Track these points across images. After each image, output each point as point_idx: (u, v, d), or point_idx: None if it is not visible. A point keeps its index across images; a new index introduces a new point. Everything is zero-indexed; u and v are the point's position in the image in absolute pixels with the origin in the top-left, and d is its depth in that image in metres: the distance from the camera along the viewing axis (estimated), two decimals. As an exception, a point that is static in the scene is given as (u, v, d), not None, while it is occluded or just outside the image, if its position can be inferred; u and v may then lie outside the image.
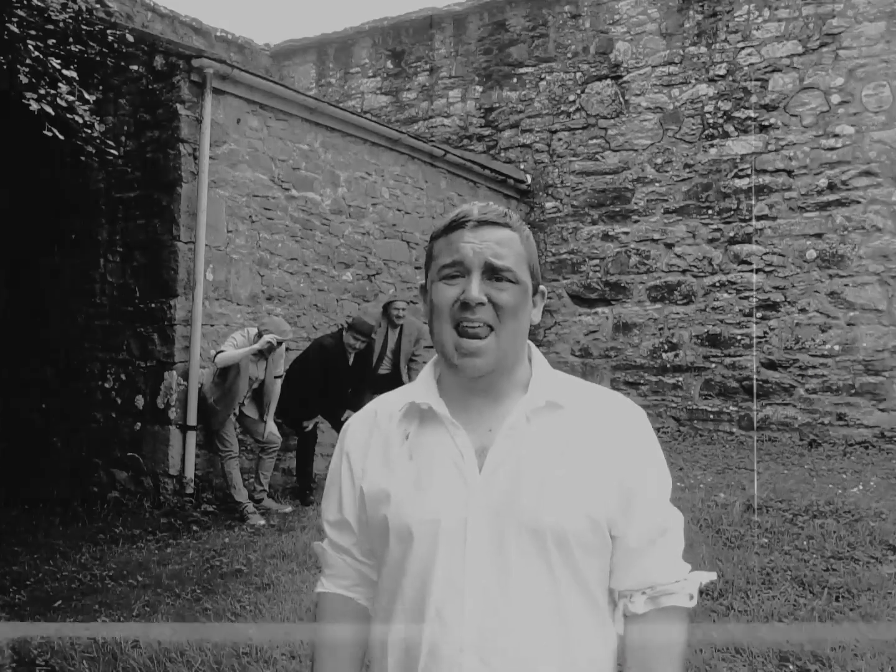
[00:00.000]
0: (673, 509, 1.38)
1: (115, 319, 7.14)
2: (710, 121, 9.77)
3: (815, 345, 9.02)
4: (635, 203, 10.17)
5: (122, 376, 7.04)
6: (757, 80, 9.53)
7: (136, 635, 3.96)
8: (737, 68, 9.64)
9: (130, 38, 6.96)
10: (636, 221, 10.15)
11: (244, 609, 4.35)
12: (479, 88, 11.41)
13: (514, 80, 11.13)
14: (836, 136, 9.05)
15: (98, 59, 6.85)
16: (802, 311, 9.12)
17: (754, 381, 9.11)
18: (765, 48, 9.50)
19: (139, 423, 6.88)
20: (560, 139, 10.73)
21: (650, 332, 9.98)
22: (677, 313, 9.83)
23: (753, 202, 9.46)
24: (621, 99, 10.35)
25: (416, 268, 9.33)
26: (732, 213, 9.58)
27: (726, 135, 9.66)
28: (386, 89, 12.17)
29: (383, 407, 1.40)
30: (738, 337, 9.44)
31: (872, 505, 5.83)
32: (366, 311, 8.27)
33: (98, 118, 6.40)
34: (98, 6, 7.02)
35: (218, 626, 4.13)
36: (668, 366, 9.81)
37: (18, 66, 5.36)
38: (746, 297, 9.44)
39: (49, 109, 5.35)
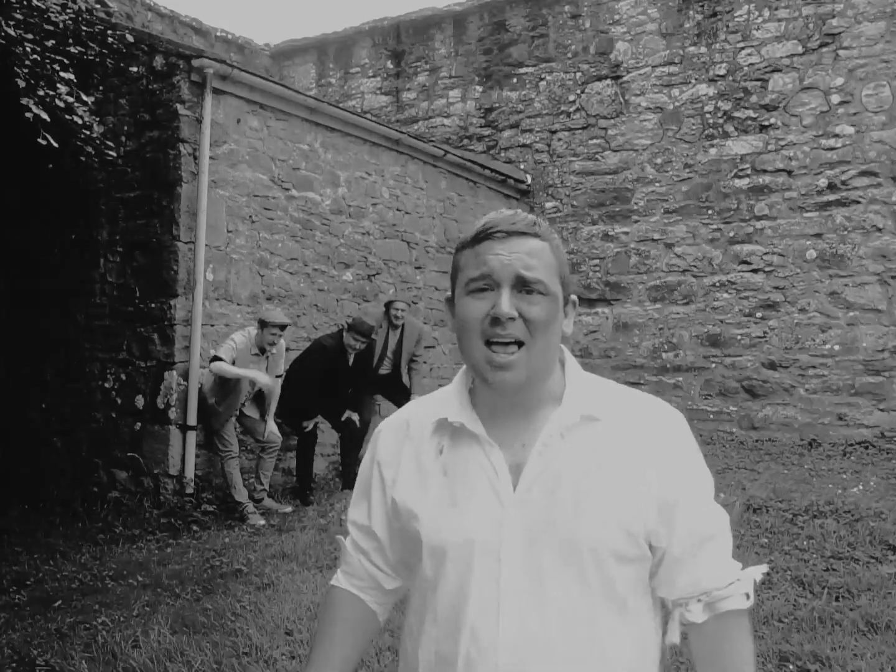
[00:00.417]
0: (717, 511, 1.36)
1: (115, 319, 7.14)
2: (710, 121, 9.77)
3: (815, 345, 9.02)
4: (635, 203, 10.17)
5: (122, 376, 7.04)
6: (757, 80, 9.53)
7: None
8: (737, 68, 9.64)
9: (130, 38, 6.96)
10: (636, 221, 10.15)
11: (244, 609, 4.35)
12: (479, 88, 11.41)
13: (514, 80, 11.13)
14: (836, 136, 9.05)
15: (98, 59, 6.84)
16: (802, 311, 9.12)
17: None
18: (765, 48, 9.50)
19: (139, 423, 6.88)
20: (560, 139, 10.73)
21: (650, 332, 9.98)
22: (677, 313, 9.83)
23: (753, 202, 9.46)
24: (621, 99, 10.35)
25: (417, 268, 9.33)
26: (732, 213, 9.58)
27: (726, 135, 9.66)
28: (386, 89, 12.17)
29: (415, 417, 1.37)
30: (738, 337, 9.44)
31: (872, 505, 5.83)
32: (366, 312, 8.27)
33: (97, 119, 6.40)
34: (98, 6, 7.02)
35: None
36: (668, 366, 9.81)
37: (16, 70, 5.35)
38: (746, 297, 9.44)
39: (45, 115, 5.34)
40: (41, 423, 7.56)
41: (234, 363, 6.48)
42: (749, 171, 9.50)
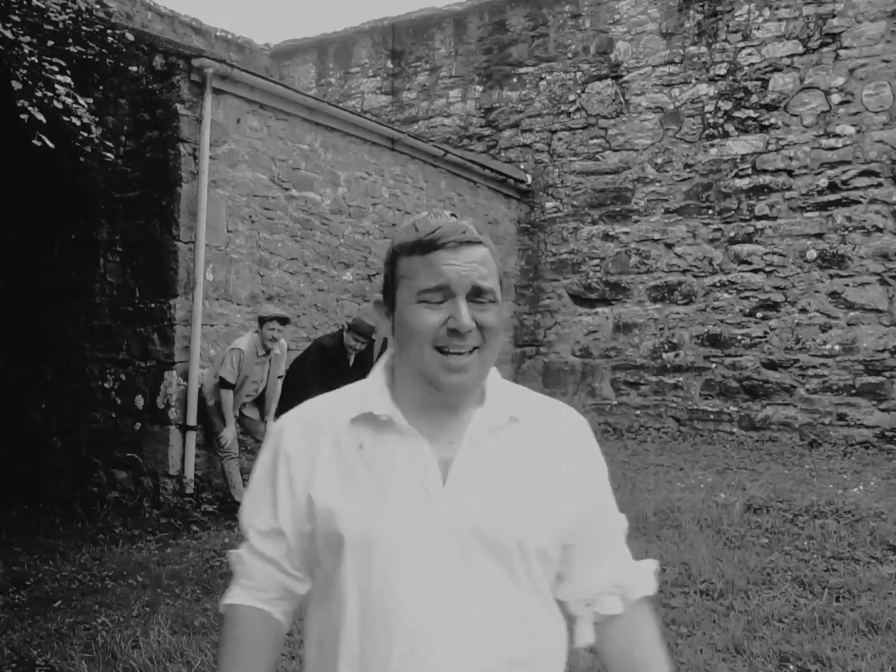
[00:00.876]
0: (616, 508, 1.45)
1: (115, 319, 7.14)
2: (711, 120, 9.76)
3: (816, 345, 9.01)
4: (635, 203, 10.17)
5: (122, 376, 7.04)
6: (757, 79, 9.53)
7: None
8: (737, 68, 9.64)
9: (130, 37, 6.96)
10: (636, 221, 10.15)
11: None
12: (479, 88, 11.40)
13: (514, 79, 11.12)
14: (836, 135, 9.04)
15: (97, 59, 6.84)
16: (803, 311, 9.12)
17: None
18: (765, 48, 9.50)
19: (139, 423, 6.88)
20: (560, 139, 10.73)
21: (650, 332, 9.98)
22: (677, 313, 9.83)
23: (754, 202, 9.45)
24: (621, 99, 10.34)
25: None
26: (733, 212, 9.57)
27: (726, 135, 9.66)
28: (386, 89, 12.16)
29: (326, 412, 1.32)
30: (739, 337, 9.44)
31: (873, 505, 5.83)
32: (366, 312, 8.26)
33: (97, 119, 6.40)
34: (98, 6, 7.01)
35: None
36: (669, 366, 9.80)
37: (13, 71, 5.35)
38: (747, 297, 9.43)
39: (41, 117, 5.33)
40: (41, 423, 7.56)
41: (240, 371, 6.53)
42: (749, 171, 9.49)
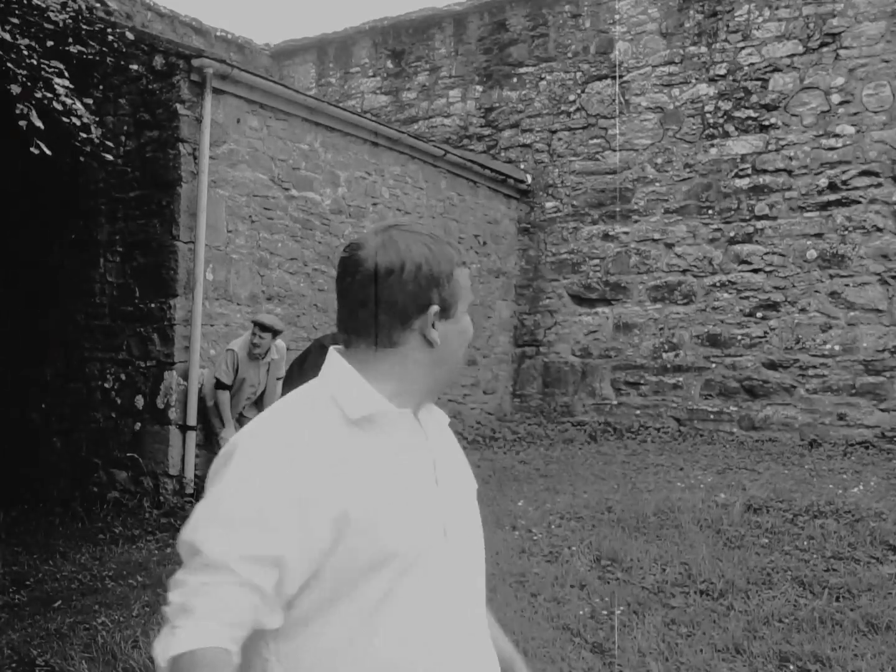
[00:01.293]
0: None
1: (115, 319, 7.14)
2: (711, 120, 9.76)
3: (816, 345, 9.01)
4: (635, 203, 10.17)
5: (122, 376, 7.04)
6: (757, 79, 9.52)
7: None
8: (737, 68, 9.64)
9: (130, 36, 6.96)
10: (636, 221, 10.15)
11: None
12: (479, 88, 11.40)
13: (514, 79, 11.12)
14: (836, 135, 9.04)
15: (98, 58, 6.84)
16: (803, 311, 9.11)
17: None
18: (765, 48, 9.49)
19: (139, 423, 6.88)
20: (560, 139, 10.73)
21: (650, 332, 9.97)
22: (677, 313, 9.83)
23: (754, 202, 9.45)
24: (621, 98, 10.34)
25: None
26: (733, 212, 9.57)
27: (726, 134, 9.65)
28: (386, 89, 12.16)
29: (307, 420, 1.22)
30: (739, 337, 9.44)
31: (873, 505, 5.82)
32: None
33: (97, 119, 6.40)
34: (98, 5, 7.02)
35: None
36: (669, 366, 9.80)
37: (12, 74, 5.34)
38: (747, 297, 9.43)
39: (39, 123, 5.33)
40: (41, 423, 7.56)
41: (236, 372, 6.55)
42: (749, 171, 9.49)
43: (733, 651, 3.75)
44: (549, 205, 10.78)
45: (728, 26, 9.72)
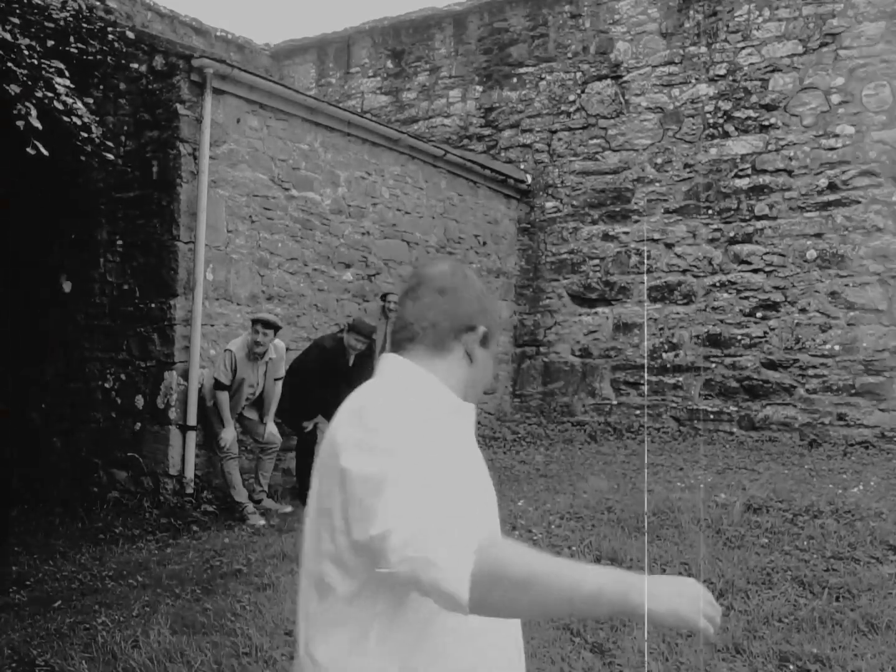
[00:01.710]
0: None
1: (115, 319, 7.14)
2: (711, 121, 9.76)
3: (816, 345, 9.01)
4: (635, 203, 10.16)
5: (122, 376, 7.04)
6: (757, 79, 9.52)
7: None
8: (737, 68, 9.64)
9: (131, 36, 6.96)
10: (636, 221, 10.14)
11: (244, 609, 4.35)
12: (479, 88, 11.40)
13: (514, 79, 11.12)
14: (836, 135, 9.04)
15: (98, 58, 6.84)
16: (802, 311, 9.11)
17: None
18: (765, 48, 9.49)
19: (139, 423, 6.88)
20: (560, 139, 10.73)
21: (650, 332, 9.97)
22: (677, 313, 9.83)
23: (754, 202, 9.45)
24: (621, 99, 10.34)
25: (416, 268, 9.31)
26: (732, 212, 9.57)
27: (726, 135, 9.65)
28: (386, 89, 12.16)
29: (425, 402, 1.38)
30: (738, 337, 9.44)
31: (873, 505, 5.82)
32: (366, 311, 8.27)
33: (97, 119, 6.40)
34: (98, 4, 7.02)
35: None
36: (668, 366, 9.80)
37: (12, 73, 5.34)
38: (746, 297, 9.43)
39: (37, 124, 5.32)
40: (41, 423, 7.56)
41: (234, 372, 6.56)
42: (749, 171, 9.49)
43: (733, 651, 3.76)
44: (549, 205, 10.78)
45: (728, 26, 9.72)
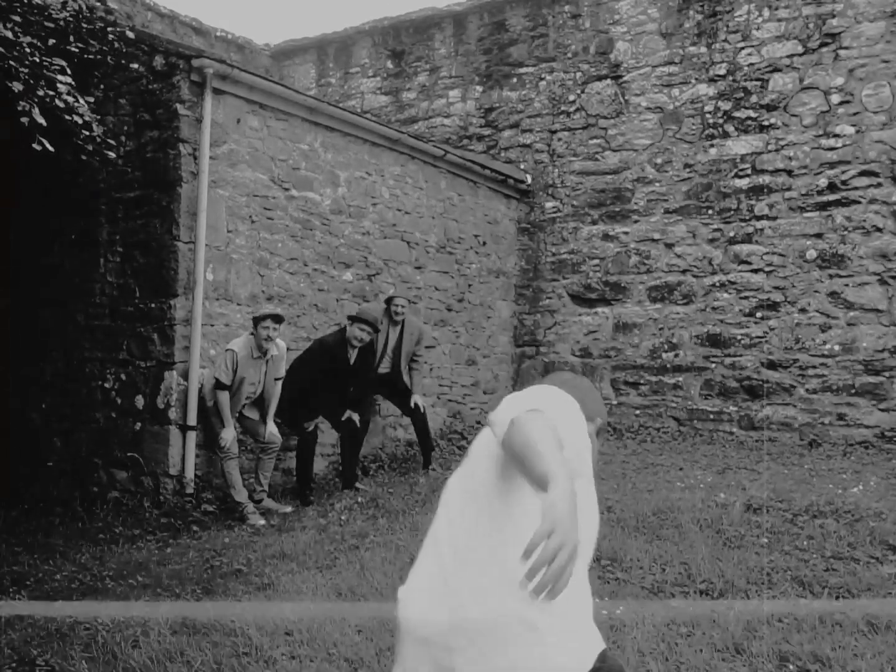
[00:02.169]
0: None
1: (115, 319, 7.14)
2: (710, 121, 9.77)
3: (816, 345, 9.02)
4: (635, 203, 10.17)
5: (122, 376, 7.04)
6: (757, 79, 9.53)
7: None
8: (737, 68, 9.64)
9: (131, 36, 6.96)
10: (636, 221, 10.15)
11: (244, 609, 4.35)
12: (479, 88, 11.40)
13: (514, 80, 11.12)
14: (836, 135, 9.04)
15: (99, 57, 6.84)
16: (802, 311, 9.12)
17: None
18: (765, 48, 9.50)
19: (139, 423, 6.88)
20: (560, 139, 10.73)
21: (650, 332, 9.98)
22: (677, 313, 9.83)
23: (753, 202, 9.46)
24: (621, 99, 10.34)
25: (417, 268, 9.33)
26: (732, 213, 9.57)
27: (726, 135, 9.66)
28: (386, 89, 12.16)
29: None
30: (738, 337, 9.44)
31: (872, 505, 5.83)
32: (370, 306, 8.25)
33: (98, 118, 6.40)
34: (98, 4, 7.02)
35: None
36: (668, 366, 9.81)
37: (14, 72, 5.34)
38: (746, 297, 9.43)
39: (41, 120, 5.33)
40: (41, 423, 7.56)
41: (235, 372, 6.57)
42: (749, 171, 9.49)
43: (733, 651, 3.76)
44: (548, 205, 10.78)
45: (728, 26, 9.72)
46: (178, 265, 6.78)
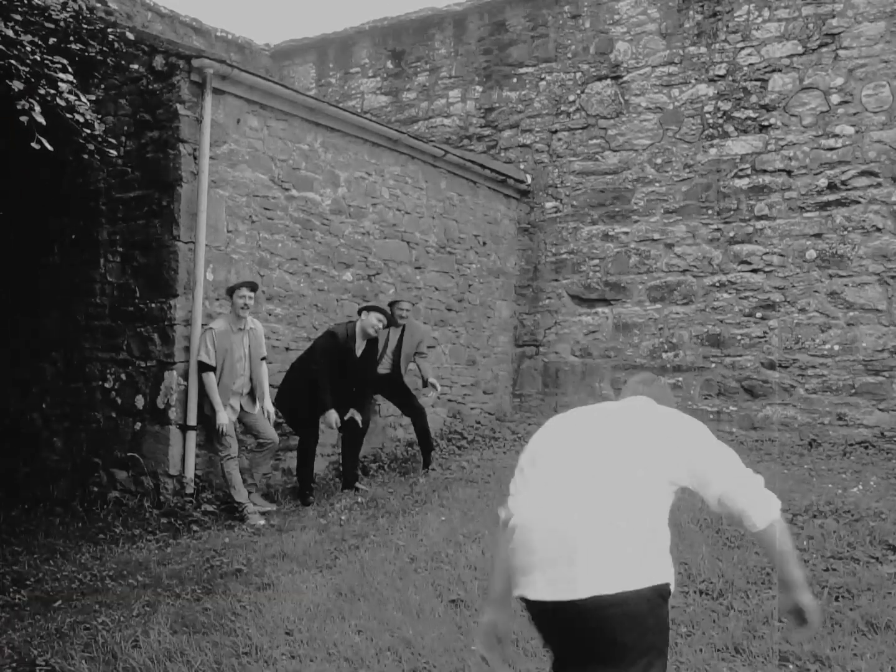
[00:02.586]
0: None
1: (115, 319, 7.14)
2: (710, 121, 9.77)
3: (815, 345, 9.02)
4: (635, 203, 10.17)
5: (122, 376, 7.04)
6: (757, 80, 9.53)
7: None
8: (737, 68, 9.64)
9: (131, 36, 6.96)
10: (636, 221, 10.15)
11: (244, 609, 4.35)
12: (479, 88, 11.40)
13: (514, 80, 11.12)
14: (835, 136, 9.05)
15: (99, 58, 6.84)
16: (802, 311, 9.12)
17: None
18: (765, 48, 9.50)
19: (139, 423, 6.88)
20: (560, 139, 10.73)
21: (650, 332, 9.98)
22: (677, 313, 9.83)
23: (753, 202, 9.46)
24: (621, 99, 10.35)
25: (417, 268, 9.33)
26: (732, 213, 9.57)
27: (726, 135, 9.66)
28: (386, 89, 12.17)
29: None
30: (738, 337, 9.44)
31: (872, 505, 5.83)
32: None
33: (99, 117, 6.40)
34: (98, 5, 7.02)
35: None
36: (668, 366, 9.81)
37: (15, 70, 5.34)
38: (746, 297, 9.44)
39: (41, 119, 5.32)
40: (41, 423, 7.56)
41: (216, 351, 6.59)
42: (749, 171, 9.50)
43: (733, 651, 3.76)
44: (548, 205, 10.78)
45: (728, 27, 9.73)
46: (178, 265, 6.78)
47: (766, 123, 9.44)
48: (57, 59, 5.82)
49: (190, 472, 6.69)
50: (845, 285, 8.90)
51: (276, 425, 7.09)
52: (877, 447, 8.37)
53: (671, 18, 10.07)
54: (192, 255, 6.82)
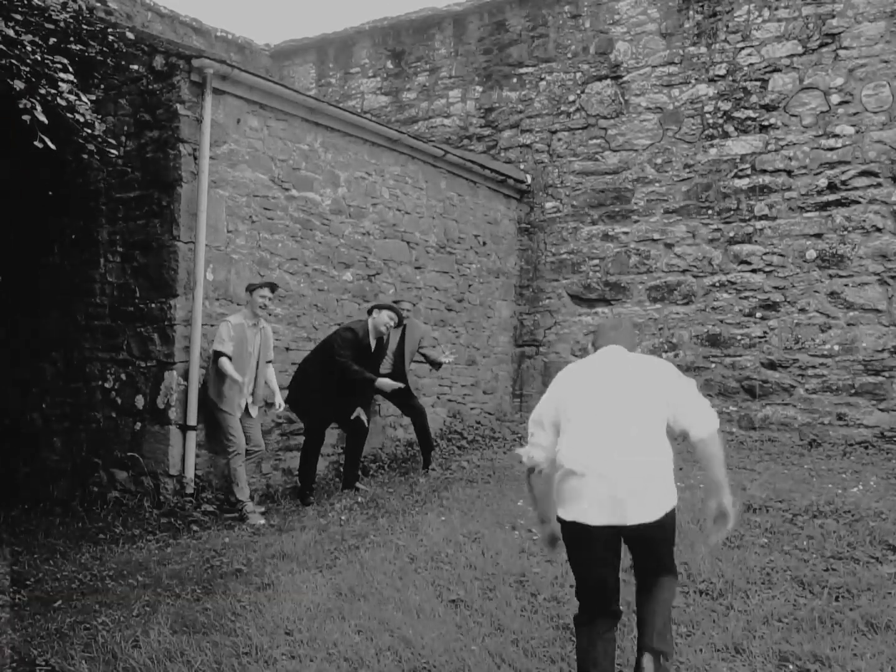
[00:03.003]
0: None
1: (115, 319, 7.14)
2: (710, 121, 9.77)
3: (815, 345, 9.02)
4: (635, 203, 10.17)
5: (122, 376, 7.04)
6: (757, 80, 9.53)
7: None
8: (737, 68, 9.64)
9: (131, 36, 6.96)
10: (636, 221, 10.15)
11: (244, 609, 4.35)
12: (479, 88, 11.41)
13: (514, 80, 11.13)
14: (835, 136, 9.05)
15: (99, 58, 6.84)
16: (802, 311, 9.12)
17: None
18: (765, 48, 9.50)
19: (139, 423, 6.88)
20: (560, 139, 10.73)
21: (650, 332, 9.98)
22: (677, 313, 9.83)
23: (753, 202, 9.46)
24: (621, 99, 10.35)
25: (417, 268, 9.33)
26: (732, 213, 9.58)
27: (726, 135, 9.66)
28: (386, 89, 12.17)
29: None
30: (738, 337, 9.44)
31: (872, 505, 5.83)
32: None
33: (99, 117, 6.40)
34: (98, 5, 7.02)
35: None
36: (668, 366, 9.80)
37: (16, 70, 5.34)
38: (746, 297, 9.44)
39: (42, 118, 5.33)
40: (41, 423, 7.56)
41: (234, 342, 6.60)
42: (749, 171, 9.50)
43: (733, 651, 3.76)
44: (548, 205, 10.78)
45: (728, 26, 9.73)
46: (178, 265, 6.78)
47: (766, 123, 9.44)
48: (57, 59, 5.83)
49: (190, 472, 6.69)
50: (845, 285, 8.90)
51: (277, 425, 7.08)
52: (877, 447, 8.38)
53: (671, 18, 10.08)
54: (192, 255, 6.82)
